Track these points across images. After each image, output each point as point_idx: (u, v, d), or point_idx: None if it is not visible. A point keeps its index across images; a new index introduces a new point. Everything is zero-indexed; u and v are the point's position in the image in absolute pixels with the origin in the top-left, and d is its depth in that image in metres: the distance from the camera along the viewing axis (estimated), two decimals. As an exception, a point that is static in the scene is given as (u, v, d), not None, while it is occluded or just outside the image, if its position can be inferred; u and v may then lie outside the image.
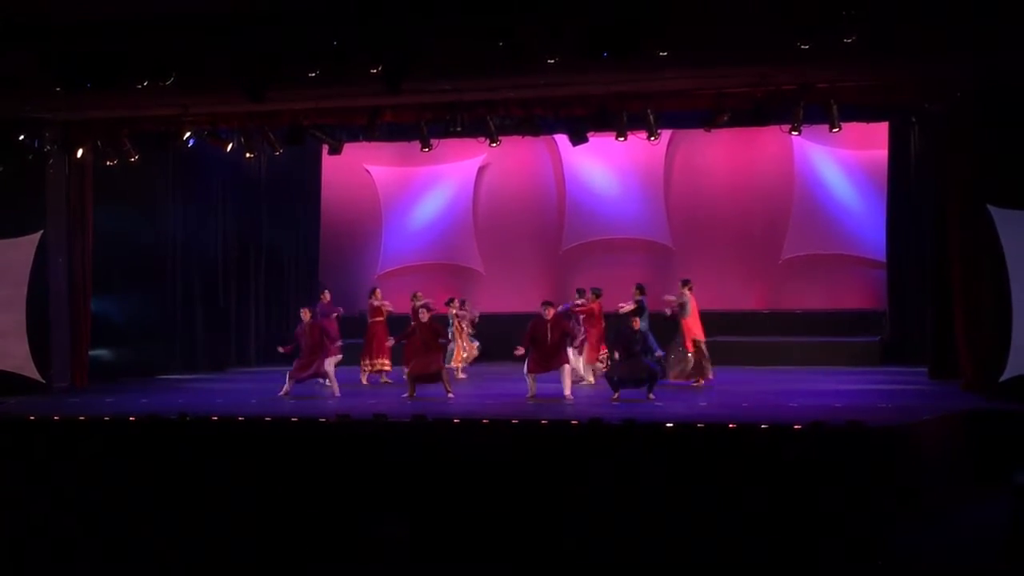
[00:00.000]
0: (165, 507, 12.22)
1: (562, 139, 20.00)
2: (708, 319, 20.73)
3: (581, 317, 17.38)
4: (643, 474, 11.76)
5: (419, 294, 18.38)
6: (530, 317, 16.09)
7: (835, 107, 15.74)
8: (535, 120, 17.13)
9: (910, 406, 14.18)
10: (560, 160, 22.09)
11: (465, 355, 18.87)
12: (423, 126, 17.11)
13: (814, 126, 17.04)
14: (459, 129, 16.68)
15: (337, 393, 16.17)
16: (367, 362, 17.93)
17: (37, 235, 17.60)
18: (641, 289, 17.43)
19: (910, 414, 13.44)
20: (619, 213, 21.87)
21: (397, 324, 18.10)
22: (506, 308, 19.92)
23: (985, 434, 13.23)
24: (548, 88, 15.79)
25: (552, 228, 22.24)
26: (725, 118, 16.22)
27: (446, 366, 16.85)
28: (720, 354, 19.58)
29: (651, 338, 15.88)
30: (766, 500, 11.18)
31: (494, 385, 17.59)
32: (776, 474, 11.50)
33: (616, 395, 15.02)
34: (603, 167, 21.83)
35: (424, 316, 16.10)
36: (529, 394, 15.40)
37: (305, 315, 16.62)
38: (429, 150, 17.66)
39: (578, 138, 17.39)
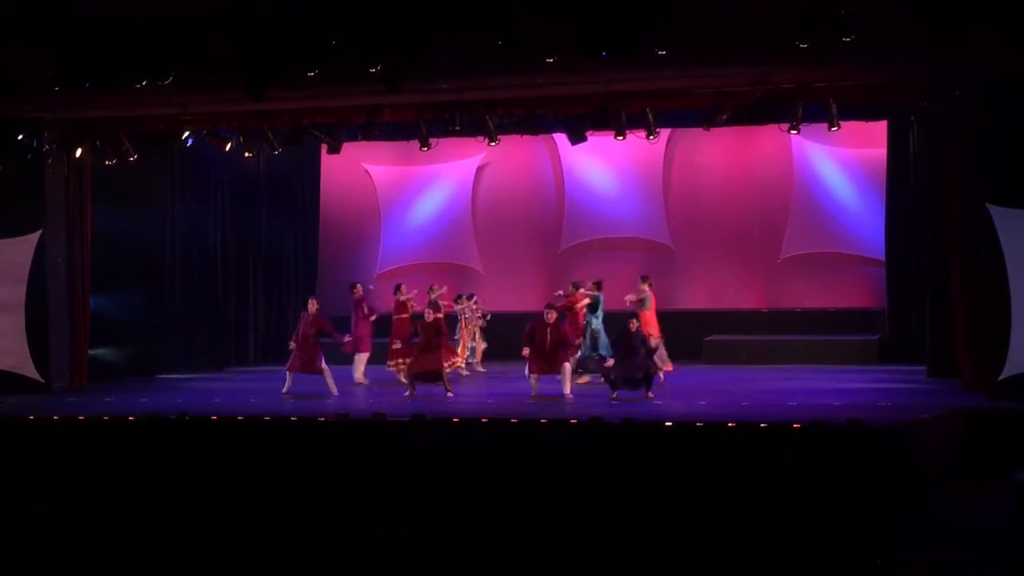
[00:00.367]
0: (165, 507, 12.21)
1: (561, 138, 20.00)
2: (707, 318, 20.88)
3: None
4: (643, 473, 11.77)
5: (434, 286, 18.41)
6: (530, 316, 16.12)
7: (834, 106, 15.74)
8: (534, 119, 17.13)
9: (909, 405, 14.19)
10: (559, 159, 22.08)
11: (469, 353, 18.91)
12: (422, 125, 17.11)
13: (813, 125, 17.04)
14: (458, 128, 16.68)
15: (335, 392, 16.17)
16: (400, 361, 17.70)
17: (36, 235, 17.60)
18: (597, 285, 17.54)
19: (909, 413, 13.46)
20: (618, 212, 21.87)
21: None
22: (505, 307, 19.91)
23: (984, 432, 13.26)
24: (547, 87, 15.79)
25: (551, 227, 22.23)
26: (724, 117, 16.22)
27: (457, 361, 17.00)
28: (720, 353, 19.66)
29: (604, 335, 16.12)
30: (765, 499, 11.19)
31: (494, 384, 17.61)
32: (775, 473, 11.50)
33: (615, 394, 15.03)
34: (602, 166, 21.83)
35: (429, 316, 16.12)
36: (532, 394, 15.41)
37: (312, 306, 16.60)
38: (428, 149, 17.65)
39: (577, 137, 17.39)
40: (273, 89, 14.78)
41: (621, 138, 17.10)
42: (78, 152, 17.93)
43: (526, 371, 15.73)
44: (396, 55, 13.94)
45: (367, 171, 22.91)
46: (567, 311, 17.31)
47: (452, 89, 15.83)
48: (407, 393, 15.74)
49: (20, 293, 17.50)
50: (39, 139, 17.52)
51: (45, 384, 17.45)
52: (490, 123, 16.86)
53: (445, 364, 16.40)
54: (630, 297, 17.34)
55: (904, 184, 18.70)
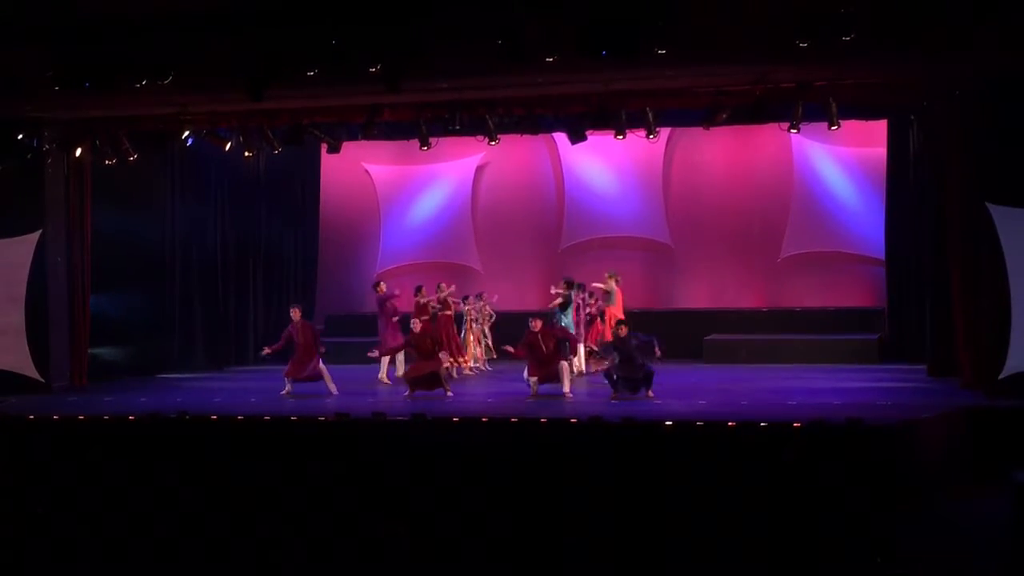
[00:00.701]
0: (165, 507, 12.21)
1: (561, 137, 20.00)
2: (707, 317, 20.89)
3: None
4: (643, 472, 11.77)
5: (443, 285, 18.43)
6: (529, 315, 16.15)
7: (834, 105, 15.73)
8: (534, 118, 17.13)
9: (909, 404, 14.19)
10: (559, 158, 22.09)
11: (476, 354, 18.95)
12: (422, 125, 17.10)
13: (813, 124, 17.03)
14: (458, 128, 16.67)
15: (335, 392, 16.17)
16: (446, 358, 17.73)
17: (36, 234, 17.60)
18: (569, 283, 17.62)
19: (909, 412, 13.46)
20: (618, 211, 21.88)
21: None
22: (505, 306, 19.91)
23: (984, 432, 13.25)
24: (547, 86, 15.78)
25: (551, 226, 22.24)
26: (724, 116, 16.21)
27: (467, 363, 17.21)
28: (720, 352, 19.66)
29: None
30: (765, 498, 11.18)
31: (494, 384, 17.60)
32: (775, 472, 11.50)
33: (615, 394, 15.03)
34: (602, 165, 21.84)
35: (417, 327, 16.16)
36: (532, 393, 15.42)
37: (295, 314, 16.62)
38: (428, 149, 17.64)
39: (577, 136, 17.38)
40: (273, 89, 14.77)
41: (621, 137, 17.09)
42: (78, 152, 17.93)
43: (525, 374, 15.73)
44: (396, 54, 13.93)
45: (367, 170, 22.92)
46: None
47: (452, 88, 15.82)
48: (407, 393, 15.74)
49: (20, 293, 17.49)
50: (39, 139, 17.52)
51: (45, 384, 17.46)
52: (490, 122, 16.85)
53: (448, 363, 16.47)
54: (596, 286, 17.52)
55: (904, 183, 18.69)
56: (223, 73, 14.71)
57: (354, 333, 21.11)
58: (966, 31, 12.87)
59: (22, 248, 17.55)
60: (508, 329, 19.17)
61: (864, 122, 18.72)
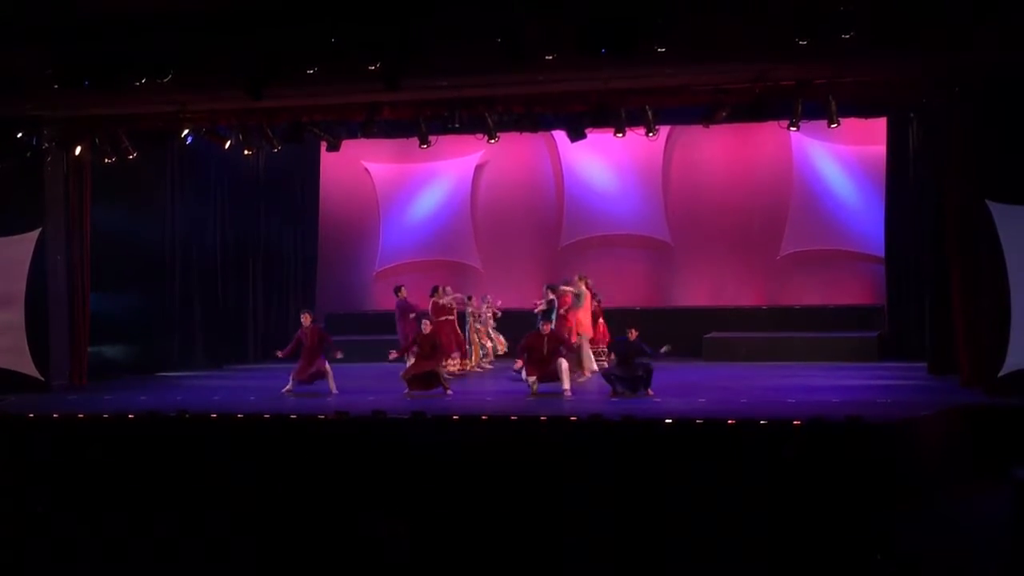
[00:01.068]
0: (165, 505, 12.21)
1: (560, 135, 20.01)
2: (707, 315, 20.90)
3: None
4: (642, 470, 11.77)
5: (448, 288, 18.47)
6: (529, 313, 16.16)
7: (834, 103, 15.72)
8: (533, 117, 17.12)
9: (909, 401, 14.19)
10: (558, 156, 22.09)
11: (482, 354, 18.98)
12: (421, 123, 17.09)
13: (813, 122, 17.02)
14: (457, 126, 16.66)
15: (335, 391, 16.16)
16: (448, 362, 17.69)
17: (35, 233, 17.58)
18: (552, 289, 17.63)
19: (909, 409, 13.46)
20: (618, 209, 21.89)
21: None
22: (505, 305, 19.91)
23: (984, 429, 13.24)
24: (546, 84, 15.77)
25: (550, 224, 22.25)
26: (724, 114, 16.20)
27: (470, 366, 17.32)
28: (719, 350, 19.67)
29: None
30: (765, 496, 11.18)
31: (494, 382, 17.61)
32: (775, 470, 11.50)
33: (614, 392, 15.03)
34: (601, 163, 21.84)
35: (427, 328, 16.15)
36: (531, 391, 15.42)
37: (306, 320, 16.63)
38: (428, 147, 17.65)
39: (576, 134, 17.37)
40: (272, 87, 14.77)
41: (620, 135, 17.09)
42: (77, 150, 17.91)
43: (523, 374, 15.72)
44: (395, 53, 13.93)
45: (366, 169, 22.92)
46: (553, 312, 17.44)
47: (451, 86, 15.82)
48: (406, 391, 15.74)
49: (20, 291, 17.49)
50: (38, 137, 17.51)
51: (45, 382, 17.45)
52: (489, 120, 16.84)
53: (450, 365, 16.51)
54: (565, 288, 17.54)
55: (904, 181, 18.70)
56: (223, 71, 14.70)
57: (354, 331, 21.12)
58: (966, 28, 12.87)
59: (22, 246, 17.54)
60: (509, 328, 19.25)
61: (864, 120, 18.71)
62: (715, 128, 18.11)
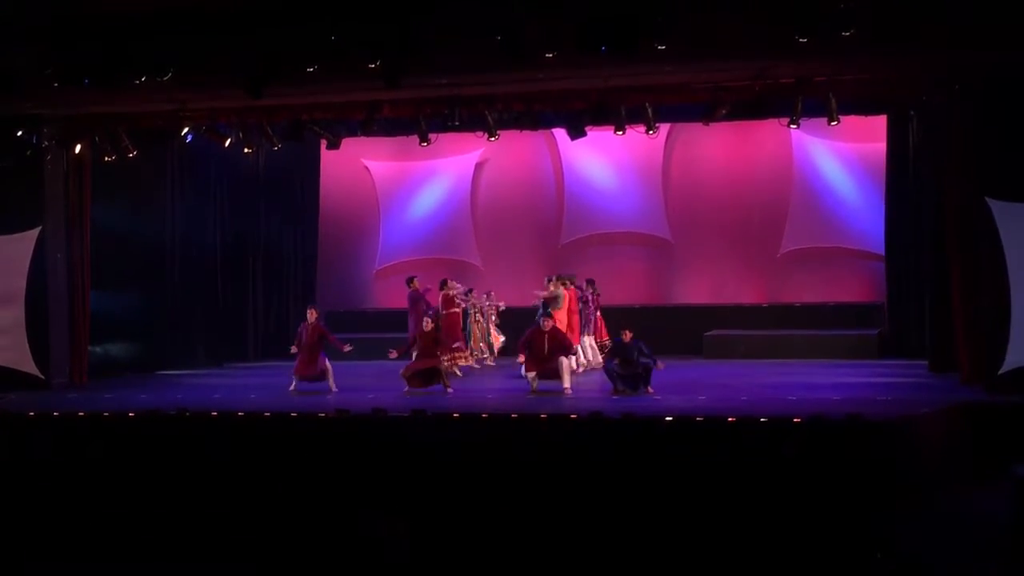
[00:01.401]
0: (165, 503, 12.22)
1: (560, 133, 20.00)
2: (707, 313, 20.90)
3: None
4: (643, 468, 11.77)
5: (457, 284, 18.50)
6: (529, 311, 16.17)
7: (833, 100, 15.71)
8: (533, 114, 17.12)
9: (909, 399, 14.19)
10: (558, 154, 22.09)
11: (486, 352, 19.02)
12: (421, 121, 17.09)
13: (813, 119, 17.00)
14: (457, 124, 16.65)
15: (334, 389, 16.16)
16: (446, 356, 17.72)
17: (36, 231, 17.59)
18: (562, 281, 17.73)
19: (909, 407, 13.46)
20: (618, 207, 21.88)
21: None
22: (505, 302, 19.90)
23: (984, 427, 13.24)
24: (546, 82, 15.76)
25: (551, 222, 22.25)
26: (724, 112, 16.19)
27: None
28: (719, 348, 19.68)
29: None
30: (765, 493, 11.19)
31: (494, 380, 17.61)
32: (775, 468, 11.50)
33: (615, 390, 15.04)
34: (602, 161, 21.84)
35: (428, 325, 16.17)
36: (532, 389, 15.43)
37: (311, 315, 16.63)
38: (427, 145, 17.65)
39: (576, 132, 17.37)
40: (272, 85, 14.77)
41: (620, 133, 17.08)
42: (77, 148, 17.92)
43: (522, 370, 15.74)
44: (395, 51, 13.93)
45: (366, 167, 22.92)
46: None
47: (451, 84, 15.82)
48: (406, 389, 15.75)
49: (20, 289, 17.49)
50: (38, 135, 17.51)
51: (45, 380, 17.46)
52: (489, 118, 16.83)
53: (448, 360, 16.52)
54: (539, 293, 17.66)
55: (904, 178, 18.69)
56: (223, 70, 14.70)
57: (354, 329, 21.11)
58: (966, 26, 12.86)
59: (22, 245, 17.55)
60: (509, 326, 19.26)
61: (864, 118, 18.70)
62: (715, 126, 18.09)
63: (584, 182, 22.03)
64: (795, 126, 16.60)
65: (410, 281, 18.43)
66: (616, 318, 18.41)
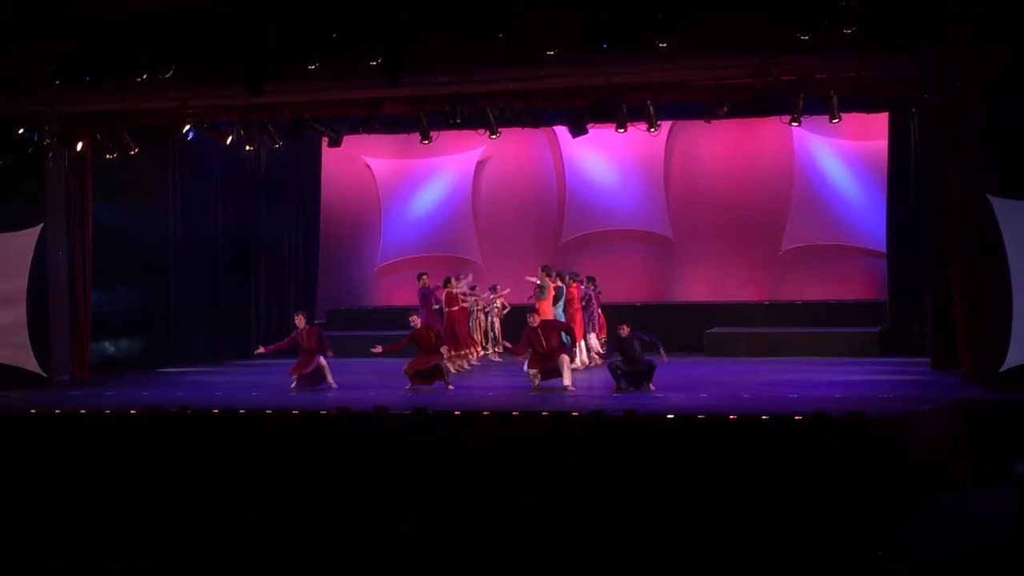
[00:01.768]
0: (166, 501, 12.21)
1: (562, 131, 19.99)
2: (708, 310, 20.88)
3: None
4: (644, 466, 11.76)
5: (454, 279, 18.55)
6: (529, 309, 16.16)
7: (835, 98, 15.72)
8: (535, 112, 17.12)
9: (910, 397, 14.18)
10: (560, 152, 22.08)
11: (490, 348, 19.06)
12: (423, 118, 17.09)
13: (814, 117, 17.02)
14: (459, 121, 16.65)
15: (334, 386, 16.16)
16: (451, 353, 17.79)
17: (37, 229, 17.60)
18: (547, 272, 17.81)
19: (910, 405, 13.45)
20: (619, 204, 21.88)
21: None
22: (506, 300, 19.89)
23: (986, 424, 13.23)
24: (548, 80, 15.77)
25: (552, 219, 22.24)
26: (725, 109, 16.19)
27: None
28: (720, 345, 19.66)
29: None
30: (766, 491, 11.18)
31: (496, 377, 17.61)
32: (776, 466, 11.49)
33: (617, 387, 15.04)
34: (603, 158, 21.82)
35: (416, 323, 16.21)
36: (533, 386, 15.44)
37: (300, 321, 16.65)
38: (429, 142, 17.65)
39: (578, 129, 17.37)
40: (273, 83, 14.77)
41: (622, 130, 17.10)
42: (79, 146, 17.93)
43: (524, 367, 15.75)
44: (396, 48, 13.93)
45: (368, 164, 22.91)
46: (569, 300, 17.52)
47: (452, 82, 15.82)
48: (407, 387, 15.75)
49: (21, 287, 17.50)
50: (39, 133, 17.51)
51: (46, 378, 17.48)
52: (491, 116, 16.84)
53: (459, 356, 16.62)
54: (530, 279, 17.84)
55: (905, 175, 18.68)
56: (224, 67, 14.71)
57: (355, 327, 21.13)
58: (967, 23, 12.86)
59: (23, 242, 17.55)
60: (509, 324, 19.25)
61: (865, 115, 18.71)
62: (717, 123, 18.09)
63: (585, 180, 22.02)
64: (796, 124, 16.59)
65: (420, 277, 18.42)
66: (617, 316, 18.43)
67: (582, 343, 17.96)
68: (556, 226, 22.16)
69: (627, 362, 15.17)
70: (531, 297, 17.75)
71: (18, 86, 15.80)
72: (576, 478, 11.70)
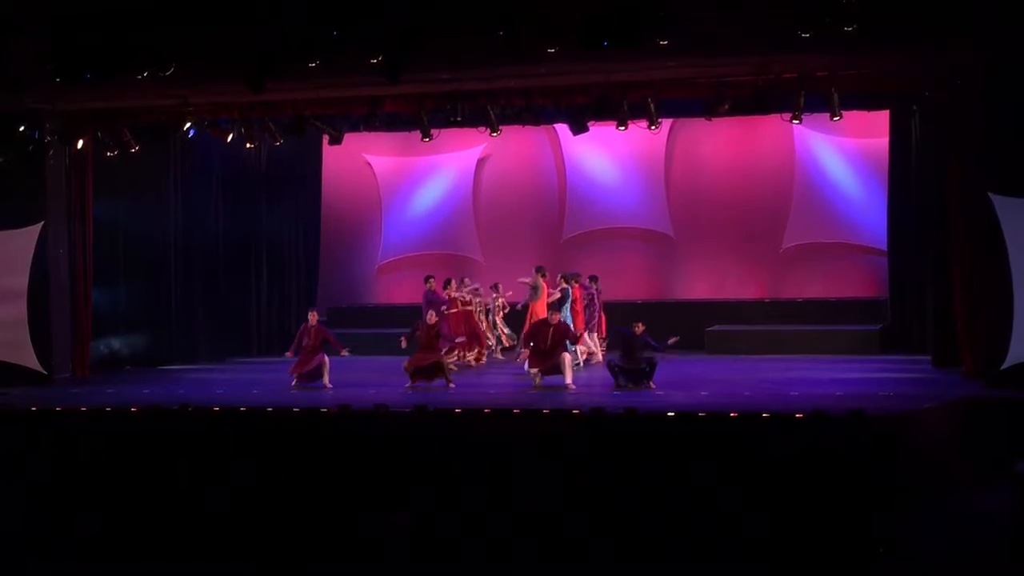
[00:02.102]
0: (166, 499, 12.22)
1: (563, 128, 19.97)
2: (709, 308, 20.88)
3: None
4: (644, 464, 11.76)
5: (467, 280, 18.53)
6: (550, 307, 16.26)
7: (836, 95, 15.72)
8: (535, 109, 17.11)
9: (911, 394, 14.19)
10: (561, 149, 22.07)
11: (491, 343, 19.07)
12: (423, 116, 17.08)
13: (815, 114, 17.02)
14: (459, 119, 16.65)
15: (329, 386, 16.10)
16: (460, 354, 17.93)
17: (38, 226, 17.60)
18: (566, 279, 17.68)
19: (911, 402, 13.46)
20: (620, 202, 21.86)
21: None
22: (507, 290, 19.88)
23: (987, 422, 13.24)
24: (548, 77, 15.77)
25: (553, 217, 22.23)
26: (726, 107, 16.19)
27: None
28: (721, 343, 19.66)
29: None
30: (767, 489, 11.19)
31: (496, 375, 17.61)
32: (777, 463, 11.49)
33: (617, 385, 15.04)
34: (604, 156, 21.81)
35: (432, 319, 16.18)
36: (534, 384, 15.43)
37: (312, 317, 16.62)
38: (429, 140, 17.64)
39: (579, 127, 17.36)
40: (274, 80, 14.77)
41: (623, 128, 17.08)
42: (79, 143, 17.93)
43: (525, 366, 15.74)
44: (397, 46, 13.93)
45: (368, 162, 22.90)
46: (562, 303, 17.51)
47: (453, 79, 15.82)
48: (408, 385, 15.75)
49: (22, 284, 17.51)
50: (40, 130, 17.50)
51: (47, 375, 17.48)
52: (491, 113, 16.83)
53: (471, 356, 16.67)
54: (523, 280, 17.92)
55: (906, 173, 18.67)
56: (224, 65, 14.71)
57: (356, 325, 21.13)
58: (967, 20, 12.85)
59: (24, 240, 17.56)
60: (510, 322, 19.26)
61: (866, 113, 18.70)
62: (717, 121, 18.07)
63: (586, 177, 22.01)
64: (797, 121, 16.58)
65: (427, 279, 18.41)
66: (618, 314, 18.45)
67: (580, 346, 17.90)
68: (557, 224, 22.15)
69: (626, 359, 15.16)
70: (555, 297, 17.72)
71: (19, 83, 15.80)
72: (576, 476, 11.70)
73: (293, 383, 16.26)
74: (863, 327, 19.47)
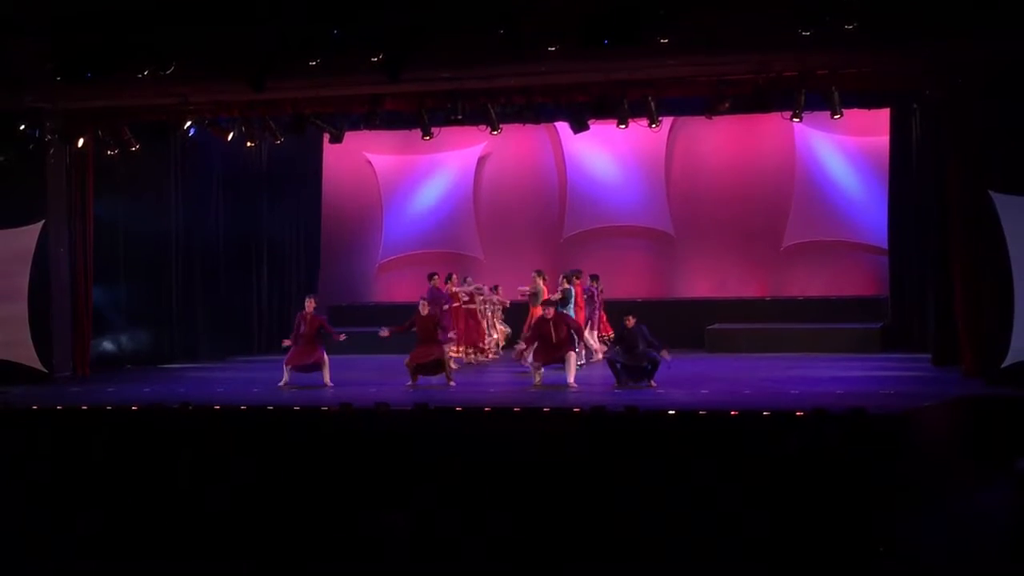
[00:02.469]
0: (166, 498, 12.22)
1: (563, 127, 19.98)
2: (710, 306, 20.88)
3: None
4: (645, 462, 11.76)
5: (469, 278, 18.56)
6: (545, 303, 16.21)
7: (836, 94, 15.71)
8: (536, 108, 17.11)
9: (912, 393, 14.18)
10: (561, 148, 22.06)
11: (494, 339, 19.11)
12: (424, 114, 17.08)
13: (815, 113, 17.02)
14: (460, 117, 16.65)
15: (330, 384, 16.07)
16: (460, 349, 17.95)
17: (38, 225, 17.61)
18: (568, 278, 17.71)
19: (912, 401, 13.45)
20: (620, 200, 21.86)
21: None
22: (507, 296, 19.90)
23: (987, 420, 13.23)
24: (549, 76, 15.77)
25: (553, 216, 22.23)
26: (726, 105, 16.19)
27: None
28: (722, 341, 19.66)
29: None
30: (767, 487, 11.18)
31: (497, 373, 17.61)
32: (777, 461, 11.49)
33: (618, 383, 15.03)
34: (604, 154, 21.81)
35: (424, 309, 16.13)
36: (535, 382, 15.43)
37: (309, 305, 16.58)
38: (430, 138, 17.64)
39: (579, 125, 17.36)
40: (274, 79, 14.77)
41: (623, 126, 17.07)
42: (80, 142, 17.93)
43: (529, 358, 15.75)
44: (397, 44, 13.93)
45: (369, 160, 22.90)
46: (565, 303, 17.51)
47: (453, 78, 15.82)
48: (409, 383, 15.74)
49: (23, 283, 17.52)
50: (40, 129, 17.51)
51: (48, 374, 17.50)
52: (492, 112, 16.83)
53: (453, 353, 16.62)
54: (523, 289, 17.98)
55: (907, 171, 18.67)
56: (225, 63, 14.72)
57: (357, 323, 21.12)
58: (967, 19, 12.85)
59: (24, 239, 17.57)
60: (510, 320, 19.27)
61: (866, 111, 18.70)
62: (718, 119, 18.06)
63: (586, 176, 22.01)
64: (798, 119, 16.58)
65: (431, 277, 18.40)
66: (619, 312, 18.43)
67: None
68: (557, 222, 22.15)
69: (626, 355, 15.14)
70: (524, 296, 17.77)
71: (19, 82, 15.81)
72: (577, 474, 11.70)
73: (284, 378, 16.12)
74: (863, 325, 19.47)
